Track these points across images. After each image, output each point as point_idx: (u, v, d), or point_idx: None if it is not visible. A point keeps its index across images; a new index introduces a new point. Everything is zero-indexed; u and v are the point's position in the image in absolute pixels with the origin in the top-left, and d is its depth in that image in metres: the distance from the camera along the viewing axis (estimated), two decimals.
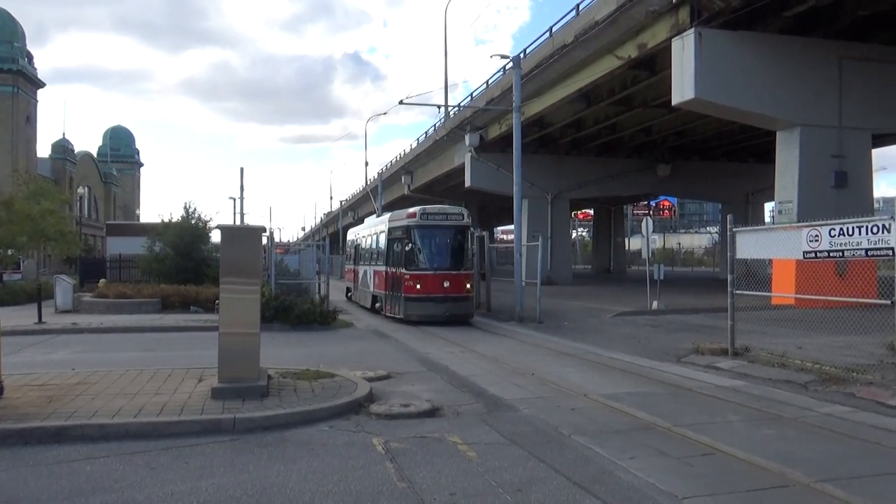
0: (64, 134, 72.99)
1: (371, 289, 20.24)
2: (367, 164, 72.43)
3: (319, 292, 18.60)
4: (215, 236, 23.65)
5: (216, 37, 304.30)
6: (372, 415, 7.24)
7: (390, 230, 18.05)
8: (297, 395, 7.73)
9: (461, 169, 35.90)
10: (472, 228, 18.22)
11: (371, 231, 21.64)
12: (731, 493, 4.92)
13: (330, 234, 71.73)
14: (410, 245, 16.89)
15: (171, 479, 5.20)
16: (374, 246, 20.58)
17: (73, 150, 63.33)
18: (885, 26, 19.59)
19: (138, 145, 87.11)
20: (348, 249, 27.76)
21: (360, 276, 22.67)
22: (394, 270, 17.44)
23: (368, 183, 56.86)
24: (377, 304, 19.33)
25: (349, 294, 25.59)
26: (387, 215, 19.58)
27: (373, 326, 17.03)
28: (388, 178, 47.54)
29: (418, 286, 16.49)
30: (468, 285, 17.22)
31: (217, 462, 5.65)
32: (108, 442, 6.13)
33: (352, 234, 27.05)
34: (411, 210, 17.67)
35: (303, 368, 9.33)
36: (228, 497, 4.84)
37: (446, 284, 16.50)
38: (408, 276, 16.71)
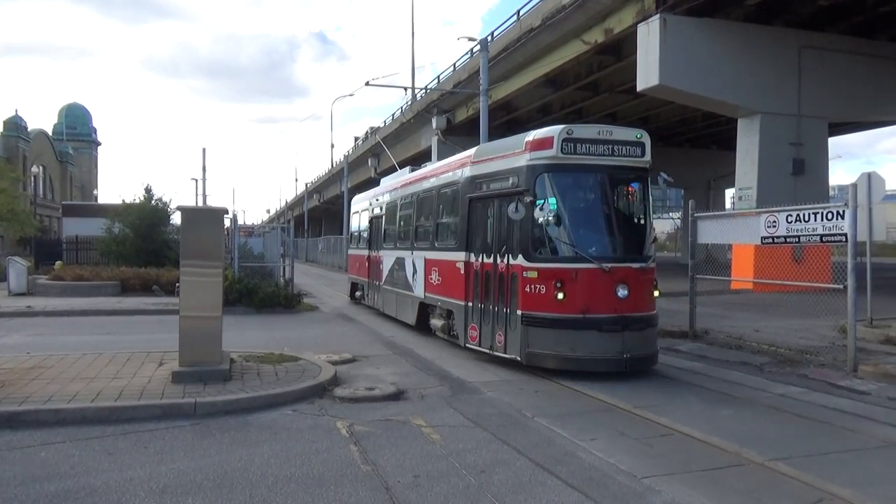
0: (17, 110, 70.28)
1: (420, 292, 11.83)
2: (332, 145, 71.95)
3: (284, 275, 18.38)
4: (177, 218, 23.16)
5: (176, 10, 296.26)
6: (336, 398, 7.21)
7: (476, 180, 9.77)
8: (260, 378, 7.66)
9: (428, 152, 35.75)
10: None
11: (416, 189, 12.81)
12: (688, 473, 5.04)
13: (295, 217, 71.00)
14: (539, 208, 8.44)
15: (130, 465, 5.11)
16: (424, 214, 12.26)
17: (26, 128, 61.11)
18: (843, 16, 20.05)
19: (96, 123, 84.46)
20: (355, 227, 18.90)
21: (388, 268, 14.12)
22: (487, 262, 9.31)
23: (334, 165, 56.37)
24: (436, 322, 11.14)
25: (358, 293, 17.76)
26: (465, 154, 10.60)
27: (339, 310, 16.91)
28: (355, 161, 47.15)
29: (559, 295, 8.23)
30: (655, 293, 8.87)
31: (178, 447, 5.57)
32: (63, 427, 5.99)
33: (363, 202, 18.08)
34: (537, 135, 8.78)
35: (266, 352, 9.24)
36: (189, 482, 4.78)
37: (621, 292, 8.22)
38: (534, 275, 8.45)
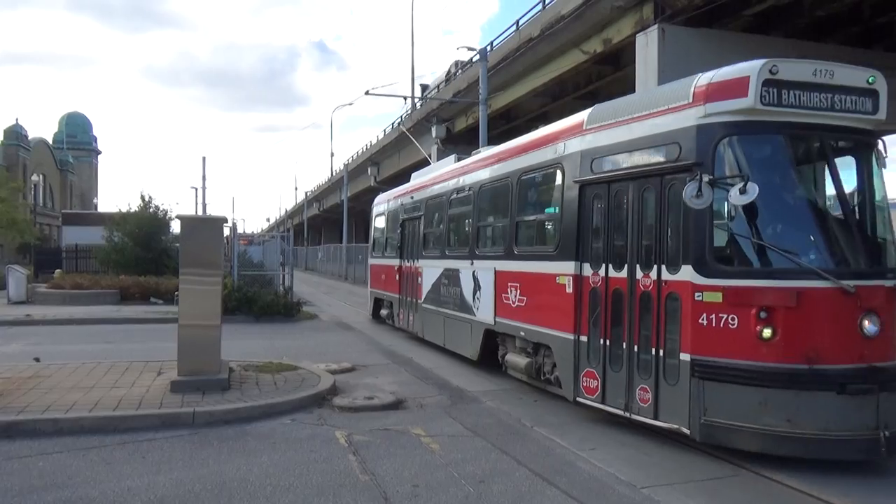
0: (17, 119, 70.51)
1: (486, 316, 9.06)
2: (332, 154, 72.23)
3: (283, 284, 18.39)
4: (176, 227, 23.19)
5: (176, 20, 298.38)
6: (335, 408, 7.20)
7: (592, 157, 6.87)
8: (259, 388, 7.64)
9: (427, 161, 35.87)
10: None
11: (475, 179, 9.99)
12: (687, 483, 5.03)
13: (295, 226, 71.06)
14: (738, 191, 5.31)
15: (128, 475, 5.09)
16: (492, 211, 9.72)
17: (26, 137, 61.23)
18: (840, 27, 20.16)
19: (96, 132, 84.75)
20: (379, 231, 16.26)
21: (432, 282, 11.36)
22: (616, 275, 6.40)
23: (334, 174, 56.47)
24: (515, 359, 8.34)
25: (384, 312, 15.01)
26: (569, 121, 7.69)
27: (338, 318, 16.89)
28: (355, 170, 47.24)
29: (765, 332, 5.25)
30: None
31: (176, 456, 5.56)
32: (61, 437, 5.98)
33: (389, 202, 15.27)
34: (717, 77, 5.81)
35: (265, 361, 9.24)
36: (187, 492, 4.77)
37: (869, 328, 5.29)
38: (716, 298, 5.46)
